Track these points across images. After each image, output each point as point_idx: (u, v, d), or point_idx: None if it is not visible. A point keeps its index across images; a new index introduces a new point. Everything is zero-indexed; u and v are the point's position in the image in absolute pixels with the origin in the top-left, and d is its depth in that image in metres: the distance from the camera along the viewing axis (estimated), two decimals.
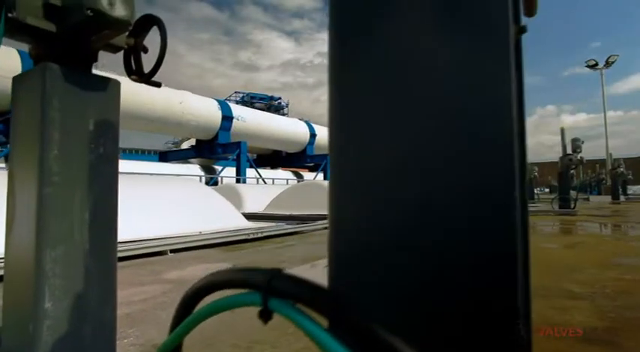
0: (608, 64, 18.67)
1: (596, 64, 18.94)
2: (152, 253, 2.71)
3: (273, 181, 17.40)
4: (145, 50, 1.13)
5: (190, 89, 14.09)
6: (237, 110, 15.56)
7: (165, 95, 12.46)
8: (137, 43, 1.10)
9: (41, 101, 0.79)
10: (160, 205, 3.39)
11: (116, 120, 0.96)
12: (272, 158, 19.58)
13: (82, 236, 0.84)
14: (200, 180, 12.88)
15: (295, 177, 20.56)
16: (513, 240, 0.31)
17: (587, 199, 13.19)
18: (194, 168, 14.53)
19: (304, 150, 18.69)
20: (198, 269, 2.28)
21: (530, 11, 0.58)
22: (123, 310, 1.52)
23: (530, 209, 7.26)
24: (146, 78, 1.13)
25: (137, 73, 1.13)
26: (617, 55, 18.39)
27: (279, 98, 31.53)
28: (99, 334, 0.84)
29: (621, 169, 11.56)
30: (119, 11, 0.87)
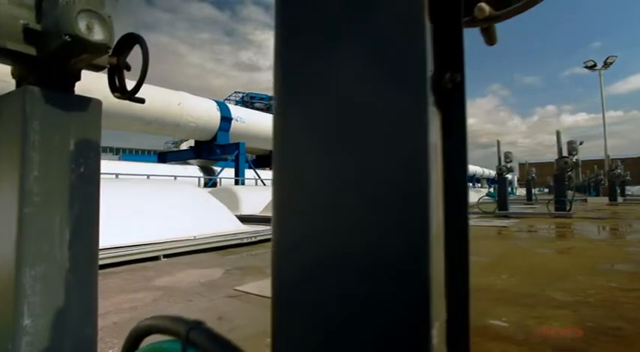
0: (606, 65, 18.68)
1: (595, 65, 18.96)
2: (146, 258, 2.73)
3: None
4: (128, 68, 1.15)
5: (191, 89, 14.13)
6: (236, 111, 15.57)
7: (164, 96, 12.47)
8: (119, 61, 1.12)
9: (21, 124, 0.81)
10: (154, 209, 3.41)
11: (97, 138, 0.98)
12: (271, 158, 19.55)
13: (63, 254, 0.86)
14: (199, 181, 12.90)
15: None
16: (425, 271, 0.33)
17: (585, 200, 13.21)
18: (193, 169, 14.55)
19: None
20: (189, 276, 2.31)
21: (492, 41, 0.61)
22: (111, 318, 1.55)
23: (527, 211, 7.28)
24: (129, 95, 1.15)
25: (120, 90, 1.15)
26: (616, 56, 18.41)
27: None
28: (79, 349, 0.86)
29: (618, 171, 11.58)
30: (97, 36, 0.89)
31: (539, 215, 6.61)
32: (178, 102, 12.99)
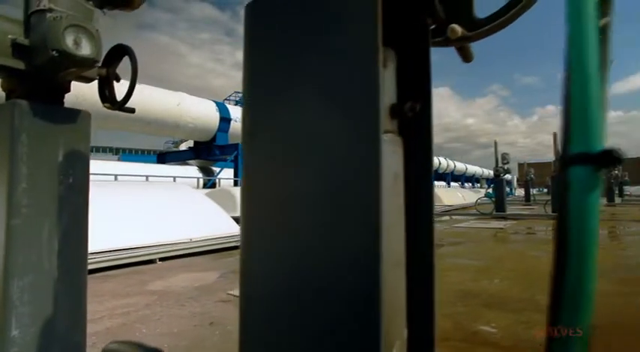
0: None
1: None
2: (142, 261, 2.75)
3: None
4: (117, 79, 1.17)
5: (191, 89, 14.17)
6: (235, 112, 15.58)
7: (163, 97, 12.48)
8: (109, 72, 1.14)
9: (10, 137, 0.83)
10: (150, 212, 3.42)
11: (86, 149, 1.00)
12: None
13: (51, 264, 0.87)
14: (198, 182, 12.91)
15: None
16: (376, 294, 0.35)
17: None
18: (192, 170, 14.56)
19: None
20: (183, 279, 2.32)
21: (467, 59, 0.63)
22: (104, 324, 1.56)
23: (524, 213, 7.29)
24: (118, 106, 1.17)
25: (110, 101, 1.17)
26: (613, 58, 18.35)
27: None
28: None
29: (616, 172, 11.60)
30: (85, 50, 0.90)
31: (536, 216, 6.63)
32: (177, 103, 13.01)
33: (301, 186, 0.39)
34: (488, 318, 1.57)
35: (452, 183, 42.07)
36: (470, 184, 44.19)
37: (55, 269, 0.87)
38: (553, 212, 6.57)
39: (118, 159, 18.45)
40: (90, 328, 1.50)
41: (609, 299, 1.76)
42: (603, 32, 0.41)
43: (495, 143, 7.31)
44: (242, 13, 0.46)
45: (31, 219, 0.83)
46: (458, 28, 0.59)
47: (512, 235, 4.48)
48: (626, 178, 14.57)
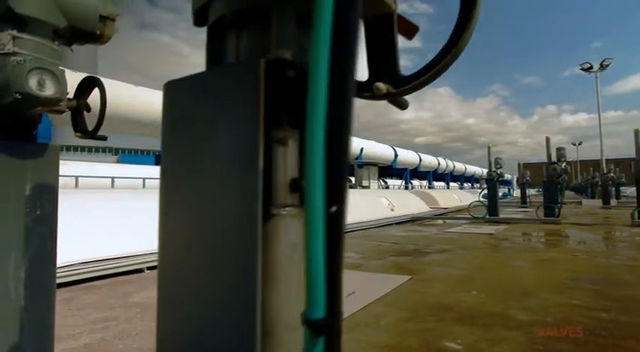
0: (602, 67, 18.73)
1: (591, 67, 19.01)
2: (129, 271, 2.79)
3: None
4: (88, 110, 1.22)
5: None
6: None
7: (161, 98, 12.50)
8: (79, 104, 1.18)
9: None
10: (139, 220, 3.46)
11: (55, 181, 1.04)
12: None
13: (18, 294, 0.91)
14: None
15: None
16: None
17: (580, 203, 13.26)
18: None
19: None
20: None
21: (402, 107, 0.68)
22: (83, 339, 1.61)
23: (517, 217, 7.33)
24: (90, 135, 1.22)
25: (82, 130, 1.22)
26: (612, 59, 18.45)
27: None
28: None
29: (612, 174, 11.64)
30: (49, 91, 0.95)
31: (529, 221, 6.67)
32: None
33: (196, 246, 0.44)
34: (456, 334, 1.61)
35: (451, 184, 42.02)
36: (469, 184, 44.10)
37: (22, 299, 0.92)
38: (545, 216, 6.62)
39: (117, 160, 18.50)
40: (69, 344, 1.54)
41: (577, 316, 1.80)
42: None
43: (489, 147, 7.36)
44: None
45: None
46: (383, 86, 0.64)
47: (501, 242, 4.52)
48: (623, 179, 14.59)
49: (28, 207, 0.95)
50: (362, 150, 25.07)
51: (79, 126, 1.18)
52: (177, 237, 0.48)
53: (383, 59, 0.67)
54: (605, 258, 3.31)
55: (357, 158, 24.19)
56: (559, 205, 6.55)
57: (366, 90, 0.66)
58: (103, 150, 26.49)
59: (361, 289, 2.36)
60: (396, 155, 30.11)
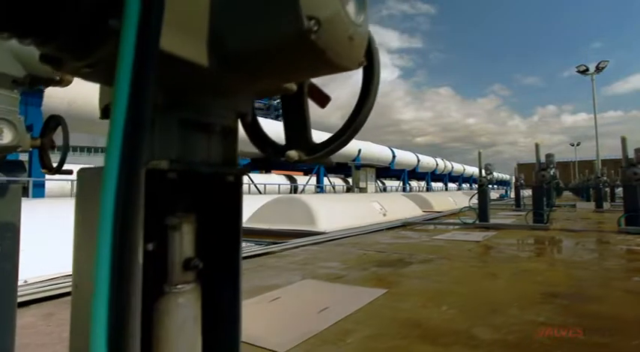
0: (598, 69, 18.82)
1: (587, 70, 19.10)
2: None
3: (264, 187, 17.48)
4: (53, 147, 1.28)
5: None
6: None
7: None
8: (43, 143, 1.25)
9: None
10: None
11: (16, 219, 1.10)
12: (266, 161, 19.73)
13: None
14: None
15: (289, 182, 20.62)
16: None
17: (574, 206, 13.31)
18: None
19: None
20: None
21: (328, 164, 0.74)
22: None
23: (507, 222, 7.38)
24: (54, 171, 1.28)
25: (47, 167, 1.28)
26: (608, 61, 18.50)
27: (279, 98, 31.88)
28: None
29: (604, 178, 11.71)
30: (6, 139, 1.01)
31: (518, 227, 6.73)
32: None
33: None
34: None
35: (449, 184, 41.98)
36: (467, 185, 44.02)
37: None
38: (534, 222, 6.68)
39: None
40: None
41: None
42: None
43: (479, 153, 7.42)
44: None
45: None
46: (295, 154, 0.70)
47: (485, 250, 4.58)
48: (618, 182, 14.64)
49: None
50: (359, 151, 25.12)
51: (44, 163, 1.24)
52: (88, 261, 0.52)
53: (297, 128, 0.73)
54: (582, 269, 3.37)
55: (354, 159, 24.24)
56: (548, 211, 6.61)
57: (282, 155, 0.73)
58: (103, 150, 26.46)
59: (336, 304, 2.42)
60: (393, 156, 30.18)
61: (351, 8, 0.44)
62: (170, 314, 0.55)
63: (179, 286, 0.56)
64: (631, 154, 6.04)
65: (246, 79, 0.48)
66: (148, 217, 0.52)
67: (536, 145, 6.92)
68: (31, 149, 1.17)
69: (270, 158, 0.76)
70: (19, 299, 2.01)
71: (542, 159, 6.99)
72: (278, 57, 0.43)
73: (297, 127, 0.71)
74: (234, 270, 0.61)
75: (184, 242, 0.57)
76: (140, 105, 0.32)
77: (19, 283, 1.11)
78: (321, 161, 0.72)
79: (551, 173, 6.56)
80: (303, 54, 0.41)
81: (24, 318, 2.12)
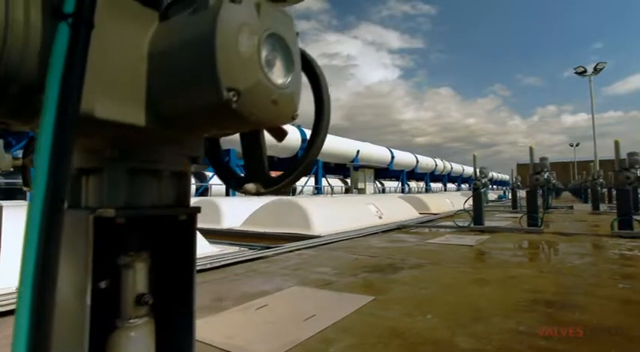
0: (596, 70, 18.86)
1: (585, 71, 19.15)
2: None
3: None
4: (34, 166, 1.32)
5: None
6: None
7: None
8: (24, 163, 1.29)
9: None
10: None
11: None
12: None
13: None
14: None
15: None
16: None
17: (571, 207, 13.34)
18: None
19: (295, 155, 18.88)
20: None
21: (286, 193, 0.79)
22: None
23: (501, 225, 7.41)
24: None
25: (29, 185, 1.32)
26: (606, 63, 18.56)
27: None
28: None
29: (601, 180, 11.74)
30: None
31: (512, 230, 6.76)
32: None
33: None
34: None
35: (448, 185, 41.92)
36: (467, 185, 43.99)
37: None
38: (529, 225, 6.71)
39: None
40: None
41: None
42: None
43: (474, 156, 7.46)
44: None
45: None
46: (252, 187, 0.74)
47: (477, 255, 4.62)
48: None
49: None
50: (358, 152, 25.13)
51: (26, 180, 1.28)
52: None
53: (255, 162, 0.78)
54: (571, 276, 3.41)
55: (352, 160, 24.25)
56: (542, 214, 6.65)
57: (241, 188, 0.77)
58: None
59: (322, 311, 2.45)
60: (392, 157, 30.18)
61: (276, 72, 0.47)
62: (123, 348, 0.59)
63: (131, 320, 0.59)
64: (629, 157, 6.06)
65: (183, 133, 0.52)
66: (99, 258, 0.56)
67: (530, 149, 6.95)
68: (12, 169, 1.21)
69: (233, 189, 0.80)
70: None
71: (539, 161, 7.03)
72: (206, 119, 0.46)
73: (255, 161, 0.75)
74: (188, 304, 0.65)
75: (137, 278, 0.60)
76: (60, 171, 0.36)
77: None
78: (278, 193, 0.76)
79: (545, 176, 6.61)
80: (228, 119, 0.44)
81: None
